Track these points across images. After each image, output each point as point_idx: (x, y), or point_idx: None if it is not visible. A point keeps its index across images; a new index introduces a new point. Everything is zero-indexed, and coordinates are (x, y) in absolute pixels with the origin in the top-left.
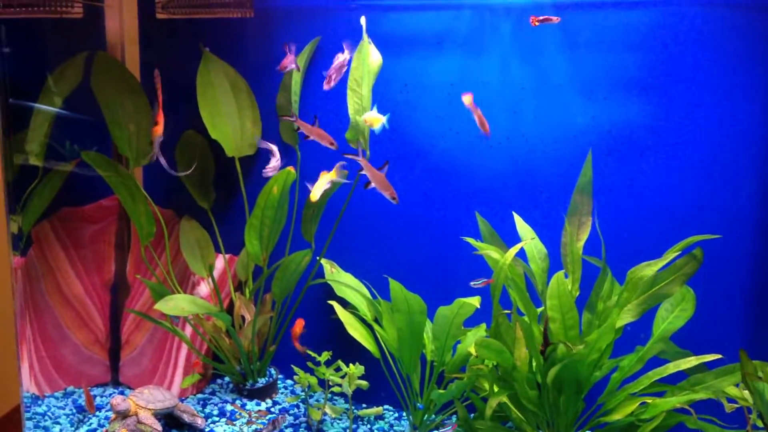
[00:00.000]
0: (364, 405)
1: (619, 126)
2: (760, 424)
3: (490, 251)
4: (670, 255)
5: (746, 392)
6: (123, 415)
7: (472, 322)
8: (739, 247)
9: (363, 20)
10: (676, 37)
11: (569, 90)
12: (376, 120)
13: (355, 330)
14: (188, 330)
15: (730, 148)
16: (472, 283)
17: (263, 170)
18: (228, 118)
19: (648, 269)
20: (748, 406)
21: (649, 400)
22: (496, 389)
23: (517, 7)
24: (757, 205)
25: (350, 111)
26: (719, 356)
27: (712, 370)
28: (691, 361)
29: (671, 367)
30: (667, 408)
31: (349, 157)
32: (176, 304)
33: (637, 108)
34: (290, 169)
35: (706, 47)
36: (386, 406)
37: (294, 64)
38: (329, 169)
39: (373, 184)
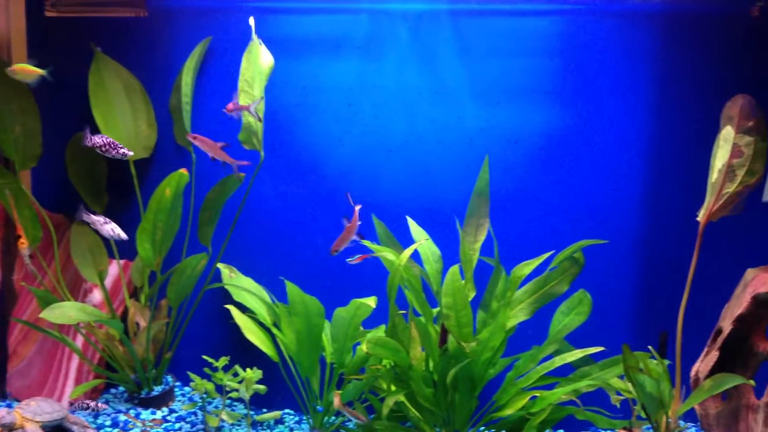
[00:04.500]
0: (264, 410)
1: (512, 130)
2: (644, 414)
3: (385, 253)
4: (559, 257)
5: (630, 384)
6: (9, 428)
7: (373, 324)
8: (626, 247)
9: (252, 21)
10: (568, 45)
11: (464, 94)
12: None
13: (252, 334)
14: (80, 339)
15: (619, 154)
16: (348, 259)
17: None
18: (121, 120)
19: (527, 268)
20: (633, 398)
21: (538, 394)
22: (393, 389)
23: (413, 12)
24: (643, 208)
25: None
26: (602, 348)
27: (597, 363)
28: (576, 354)
29: (558, 361)
30: (554, 400)
31: (349, 202)
32: (63, 312)
33: (529, 113)
34: (183, 171)
35: (596, 55)
36: (287, 410)
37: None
38: (222, 168)
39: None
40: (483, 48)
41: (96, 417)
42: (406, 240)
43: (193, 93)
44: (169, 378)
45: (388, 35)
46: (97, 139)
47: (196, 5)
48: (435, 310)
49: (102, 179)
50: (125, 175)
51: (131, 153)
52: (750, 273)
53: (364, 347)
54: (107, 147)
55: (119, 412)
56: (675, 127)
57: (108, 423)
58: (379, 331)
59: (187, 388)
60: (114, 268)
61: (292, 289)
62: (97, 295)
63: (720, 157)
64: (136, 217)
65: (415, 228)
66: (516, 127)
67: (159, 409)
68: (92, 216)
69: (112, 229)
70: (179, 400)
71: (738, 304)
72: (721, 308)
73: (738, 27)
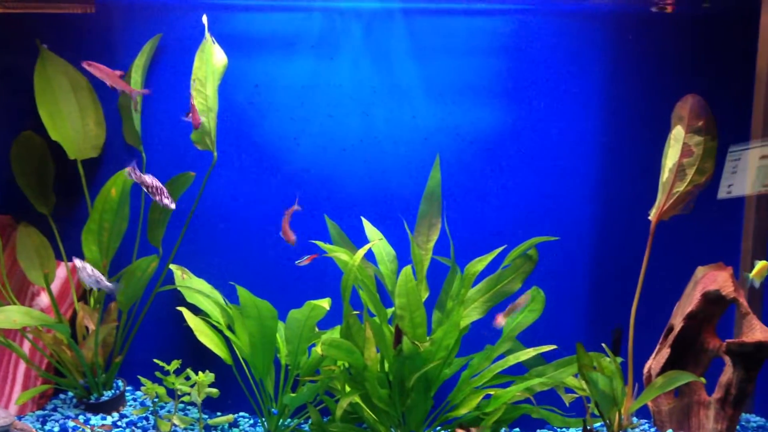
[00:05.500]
0: (219, 413)
1: (466, 129)
2: (597, 412)
3: (339, 253)
4: (512, 255)
5: (584, 382)
6: None
7: (329, 325)
8: (578, 246)
9: (205, 19)
10: (520, 45)
11: (419, 93)
12: None
13: (205, 336)
14: (27, 344)
15: (572, 153)
16: (297, 261)
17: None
18: (69, 119)
19: (479, 264)
20: (587, 395)
21: (493, 392)
22: (347, 390)
23: (367, 11)
24: (595, 206)
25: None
26: (554, 347)
27: (551, 363)
28: (529, 353)
29: (511, 359)
30: (508, 399)
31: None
32: (7, 316)
33: (484, 112)
34: (130, 169)
35: (548, 55)
36: (242, 413)
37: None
38: (174, 168)
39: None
40: (437, 47)
41: (44, 423)
42: (360, 240)
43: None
44: (120, 382)
45: (341, 34)
46: (147, 179)
47: (145, 2)
48: (390, 310)
49: (49, 179)
50: (73, 175)
51: (173, 206)
52: (700, 271)
53: (318, 349)
54: (154, 189)
55: (68, 417)
56: (626, 126)
57: (56, 429)
58: (335, 333)
59: (138, 393)
60: (62, 271)
61: (243, 293)
62: (44, 299)
63: (671, 156)
64: (85, 218)
65: (369, 228)
66: (470, 126)
67: (109, 414)
68: (84, 263)
69: (89, 273)
70: (130, 405)
71: (689, 302)
72: (673, 306)
73: (688, 27)
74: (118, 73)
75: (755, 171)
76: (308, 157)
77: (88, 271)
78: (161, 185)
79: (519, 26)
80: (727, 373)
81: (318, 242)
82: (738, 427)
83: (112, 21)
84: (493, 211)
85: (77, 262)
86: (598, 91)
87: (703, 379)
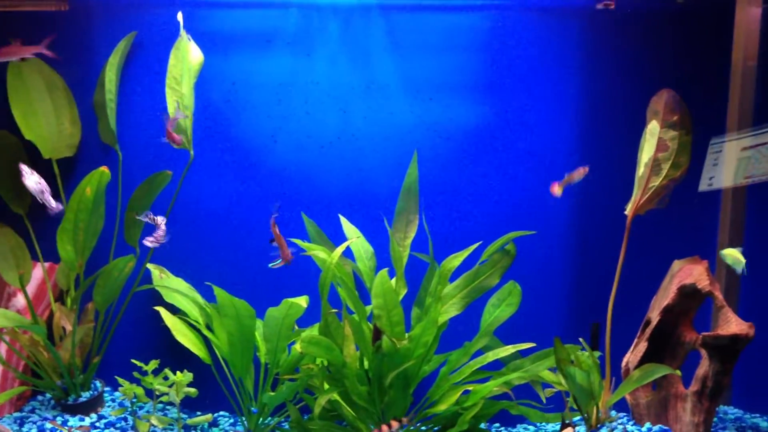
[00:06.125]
0: (198, 412)
1: (444, 125)
2: (575, 406)
3: (317, 251)
4: (489, 250)
5: (561, 377)
6: None
7: (310, 322)
8: (556, 241)
9: (180, 16)
10: (499, 41)
11: (396, 90)
12: None
13: (183, 336)
14: (4, 346)
15: (548, 148)
16: (270, 264)
17: (144, 240)
18: (43, 118)
19: (456, 260)
20: (566, 390)
21: (471, 388)
22: (326, 387)
23: (344, 7)
24: (572, 201)
25: (170, 110)
26: (533, 344)
27: (528, 356)
28: (508, 349)
29: (490, 356)
30: (485, 393)
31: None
32: None
33: (462, 108)
34: (104, 168)
35: (525, 51)
36: (222, 412)
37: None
38: (150, 167)
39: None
40: (414, 43)
41: (21, 425)
42: (339, 237)
43: (117, 89)
44: (98, 383)
45: (318, 30)
46: (159, 219)
47: None
48: (369, 308)
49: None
50: (49, 175)
51: (156, 246)
52: (676, 264)
53: (298, 346)
54: (155, 239)
55: (46, 419)
56: (603, 121)
57: (34, 431)
58: (314, 330)
59: (117, 393)
60: (38, 271)
61: (220, 293)
62: (20, 300)
63: (646, 151)
64: (61, 219)
65: (347, 225)
66: (448, 122)
67: (87, 415)
68: (33, 171)
69: (36, 181)
70: (109, 406)
71: (665, 296)
72: (650, 299)
73: (664, 22)
74: (17, 42)
75: (736, 163)
76: (286, 155)
77: (36, 178)
78: (164, 231)
79: (496, 22)
80: (704, 366)
81: (296, 240)
82: (715, 419)
83: (86, 19)
84: (470, 206)
85: (24, 167)
86: (575, 86)
87: (678, 372)
